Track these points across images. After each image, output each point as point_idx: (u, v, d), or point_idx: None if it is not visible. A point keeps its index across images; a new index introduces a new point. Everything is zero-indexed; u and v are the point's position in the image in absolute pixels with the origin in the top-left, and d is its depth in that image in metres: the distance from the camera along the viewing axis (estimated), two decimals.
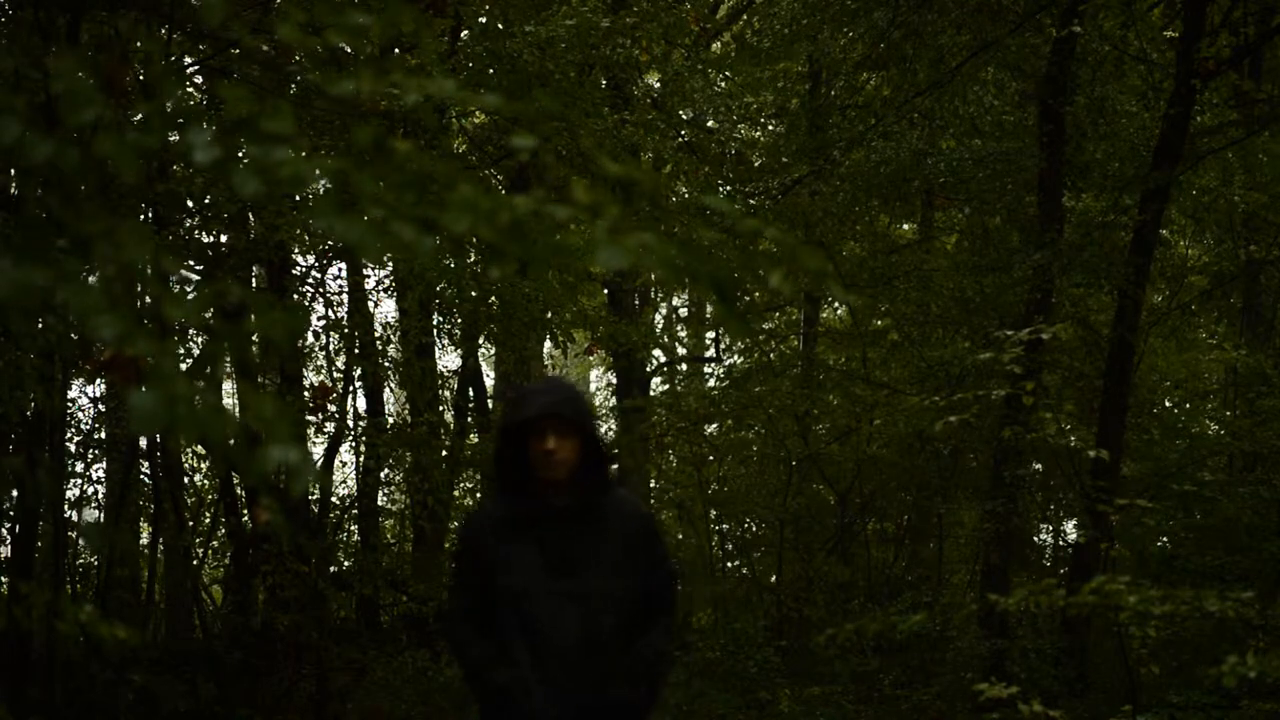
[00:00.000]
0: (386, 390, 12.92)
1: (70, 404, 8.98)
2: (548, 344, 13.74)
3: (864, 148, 11.65)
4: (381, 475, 11.11)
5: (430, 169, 1.76)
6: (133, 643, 4.36)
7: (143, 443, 9.82)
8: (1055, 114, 9.98)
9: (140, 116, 1.80)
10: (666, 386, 16.69)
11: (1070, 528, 13.58)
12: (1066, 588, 4.94)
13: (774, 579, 13.90)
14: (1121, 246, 10.10)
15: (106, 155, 1.69)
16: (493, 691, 3.67)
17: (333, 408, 9.95)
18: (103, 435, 10.46)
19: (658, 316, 17.84)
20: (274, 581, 8.75)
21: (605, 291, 14.05)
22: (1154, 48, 10.78)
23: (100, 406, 10.34)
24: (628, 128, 9.54)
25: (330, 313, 9.87)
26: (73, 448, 9.46)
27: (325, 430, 10.06)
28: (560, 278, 9.47)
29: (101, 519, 11.48)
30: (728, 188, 12.36)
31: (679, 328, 18.69)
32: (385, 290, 10.93)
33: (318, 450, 10.30)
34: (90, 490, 10.01)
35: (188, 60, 7.89)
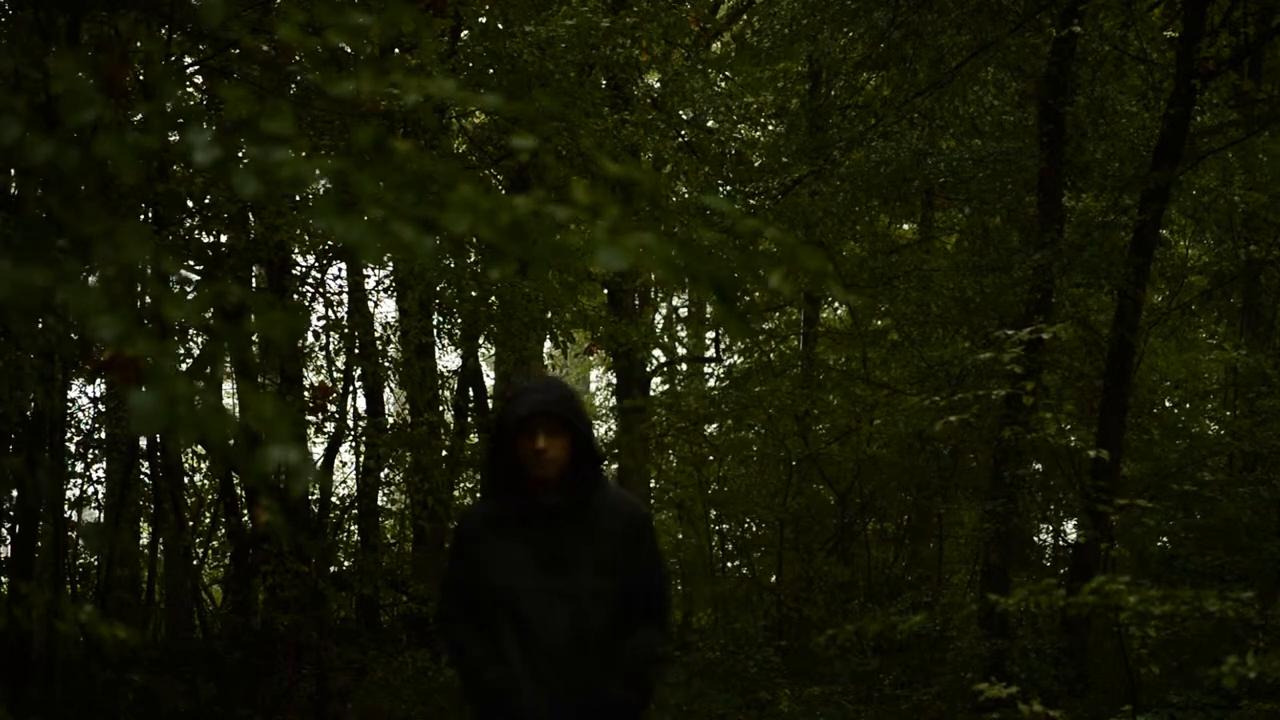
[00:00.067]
0: (386, 390, 12.92)
1: (70, 404, 8.97)
2: (548, 344, 13.73)
3: (864, 148, 11.64)
4: (381, 475, 11.10)
5: (430, 169, 1.76)
6: (133, 643, 4.36)
7: (143, 443, 9.82)
8: (1055, 114, 9.98)
9: (140, 116, 1.80)
10: (666, 386, 16.68)
11: (1070, 528, 13.57)
12: (1066, 588, 4.94)
13: (774, 579, 13.90)
14: (1121, 246, 10.10)
15: (106, 155, 1.69)
16: (485, 690, 3.67)
17: (333, 408, 9.94)
18: (103, 435, 10.45)
19: (658, 316, 17.83)
20: (274, 581, 8.74)
21: (605, 291, 14.04)
22: (1154, 48, 10.77)
23: (100, 406, 10.34)
24: (628, 128, 9.53)
25: (330, 313, 9.86)
26: (73, 448, 9.45)
27: (325, 430, 10.05)
28: (560, 278, 9.47)
29: (101, 519, 11.47)
30: (728, 188, 12.35)
31: (679, 328, 18.68)
32: (385, 290, 10.93)
33: (318, 450, 10.30)
34: (90, 490, 10.00)
35: (188, 60, 7.88)
